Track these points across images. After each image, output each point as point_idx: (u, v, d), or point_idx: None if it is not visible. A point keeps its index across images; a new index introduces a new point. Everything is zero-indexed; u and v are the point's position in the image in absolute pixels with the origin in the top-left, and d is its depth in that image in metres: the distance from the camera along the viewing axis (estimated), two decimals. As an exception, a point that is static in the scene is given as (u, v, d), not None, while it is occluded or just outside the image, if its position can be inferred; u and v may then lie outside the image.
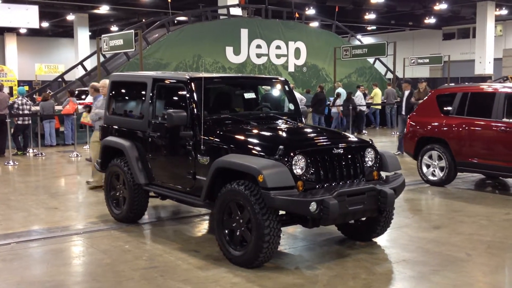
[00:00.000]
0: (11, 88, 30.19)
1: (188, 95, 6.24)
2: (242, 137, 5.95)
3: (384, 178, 6.11)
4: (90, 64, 27.98)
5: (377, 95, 21.15)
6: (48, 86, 24.09)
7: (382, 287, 5.08)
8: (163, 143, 6.60)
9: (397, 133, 14.45)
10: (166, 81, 6.70)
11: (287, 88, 7.10)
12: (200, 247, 6.20)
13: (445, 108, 9.57)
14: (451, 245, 6.33)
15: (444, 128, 9.45)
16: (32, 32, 40.19)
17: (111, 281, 5.21)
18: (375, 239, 6.45)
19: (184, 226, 7.15)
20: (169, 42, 22.33)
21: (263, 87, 16.91)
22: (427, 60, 29.15)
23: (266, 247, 5.32)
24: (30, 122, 14.04)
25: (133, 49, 18.48)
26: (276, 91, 7.29)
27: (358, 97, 19.80)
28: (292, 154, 5.41)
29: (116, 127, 7.33)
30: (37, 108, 15.48)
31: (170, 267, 5.57)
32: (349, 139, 6.16)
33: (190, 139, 6.17)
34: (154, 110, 6.71)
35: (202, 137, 6.03)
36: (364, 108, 19.83)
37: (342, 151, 5.74)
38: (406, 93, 13.36)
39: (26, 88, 28.83)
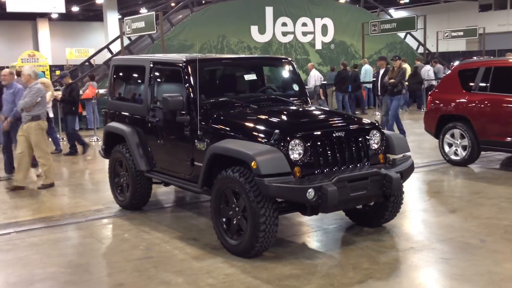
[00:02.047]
0: (43, 74, 30.59)
1: (184, 79, 6.00)
2: (239, 121, 5.70)
3: (391, 161, 5.77)
4: (118, 47, 27.99)
5: (406, 71, 20.45)
6: (75, 71, 24.15)
7: (383, 278, 4.78)
8: (162, 128, 6.40)
9: (381, 114, 13.00)
10: (163, 64, 6.46)
11: (291, 68, 6.77)
12: (200, 235, 6.00)
13: (467, 84, 9.08)
14: (465, 231, 5.98)
15: (466, 105, 8.98)
16: (63, 17, 40.52)
17: (102, 273, 5.07)
18: (384, 225, 6.13)
19: (188, 213, 6.96)
20: (193, 23, 22.04)
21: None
22: (461, 33, 28.22)
23: (262, 236, 5.08)
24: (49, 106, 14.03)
25: (155, 31, 18.33)
26: (282, 72, 6.96)
27: (367, 72, 19.05)
28: (288, 138, 5.13)
29: (118, 112, 7.16)
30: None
31: (165, 257, 5.39)
32: (352, 121, 5.83)
33: (187, 124, 5.94)
34: (152, 95, 6.49)
35: (198, 122, 5.79)
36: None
37: (343, 134, 5.43)
38: (381, 71, 12.45)
39: (58, 72, 29.10)
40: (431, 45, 31.01)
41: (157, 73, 6.51)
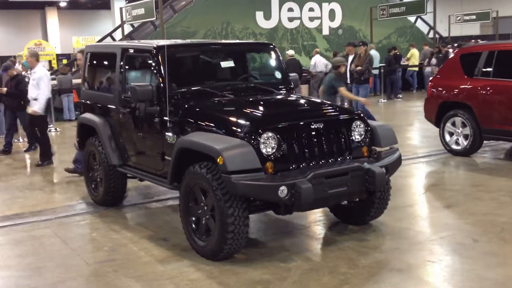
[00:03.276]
0: (49, 62, 30.31)
1: (154, 66, 5.56)
2: (209, 113, 5.26)
3: (376, 154, 5.30)
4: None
5: (414, 56, 19.87)
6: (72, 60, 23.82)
7: (359, 284, 4.33)
8: (133, 120, 5.97)
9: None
10: (134, 51, 6.02)
11: (274, 54, 6.29)
12: (172, 234, 5.58)
13: (469, 69, 8.53)
14: (459, 229, 5.51)
15: (468, 92, 8.44)
16: (72, 5, 40.22)
17: (57, 278, 4.66)
18: (371, 222, 5.68)
19: (164, 210, 6.56)
20: (196, 10, 21.54)
21: (287, 52, 16.03)
22: (474, 17, 27.38)
23: (230, 237, 4.65)
24: None
25: (154, 18, 17.89)
26: (264, 58, 6.49)
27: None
28: (260, 131, 4.68)
29: (91, 103, 6.75)
30: (54, 82, 15.13)
31: (129, 260, 4.99)
32: (333, 111, 5.36)
33: (157, 115, 5.52)
34: (123, 84, 6.06)
35: (168, 113, 5.37)
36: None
37: (322, 126, 4.96)
38: (350, 58, 11.70)
39: (65, 61, 28.80)
40: (443, 30, 30.23)
41: (128, 61, 6.07)
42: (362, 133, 5.20)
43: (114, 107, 6.21)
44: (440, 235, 5.34)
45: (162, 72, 5.44)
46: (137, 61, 6.05)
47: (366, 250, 5.01)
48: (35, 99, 8.94)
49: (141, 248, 5.29)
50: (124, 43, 6.38)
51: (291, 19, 23.45)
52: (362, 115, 5.31)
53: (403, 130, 11.54)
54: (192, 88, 5.60)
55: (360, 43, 11.60)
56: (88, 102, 6.82)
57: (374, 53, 18.88)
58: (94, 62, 6.84)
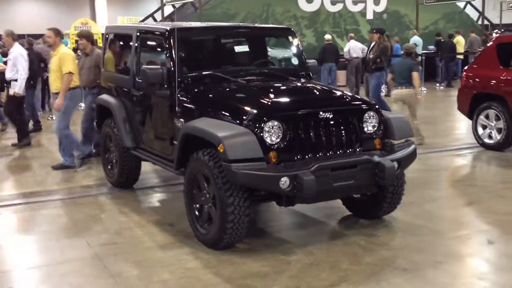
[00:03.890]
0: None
1: (166, 49, 5.47)
2: (217, 98, 5.15)
3: (390, 147, 5.08)
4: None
5: (459, 43, 19.18)
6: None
7: (359, 282, 4.15)
8: (145, 103, 5.92)
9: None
10: (149, 33, 5.94)
11: (291, 40, 6.11)
12: (179, 220, 5.50)
13: (506, 60, 8.12)
14: (475, 228, 5.25)
15: (503, 83, 8.04)
16: (120, -15, 40.54)
17: (57, 260, 4.65)
18: (384, 217, 5.47)
19: (178, 194, 6.44)
20: (237, -9, 21.39)
21: (324, 36, 15.64)
22: (527, 3, 26.20)
23: (230, 227, 4.54)
24: None
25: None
26: (282, 43, 6.30)
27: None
28: (264, 119, 4.53)
29: (109, 84, 6.73)
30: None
31: (131, 244, 4.97)
32: (345, 100, 5.16)
33: (167, 99, 5.44)
34: (138, 66, 6.00)
35: (177, 97, 5.28)
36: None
37: (332, 116, 4.77)
38: (372, 45, 11.08)
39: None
40: (496, 16, 29.13)
41: (143, 43, 6.00)
42: (374, 124, 4.98)
43: (129, 89, 6.17)
44: (455, 234, 5.10)
45: (173, 55, 5.35)
46: (151, 44, 5.97)
47: (373, 246, 4.82)
48: (15, 80, 8.72)
49: (146, 232, 5.25)
50: (140, 24, 6.32)
51: (334, 3, 22.97)
52: (376, 105, 5.09)
53: (437, 121, 11.17)
54: (203, 73, 5.49)
55: (374, 30, 10.98)
56: (106, 83, 6.81)
57: (416, 39, 18.41)
58: (113, 43, 6.80)
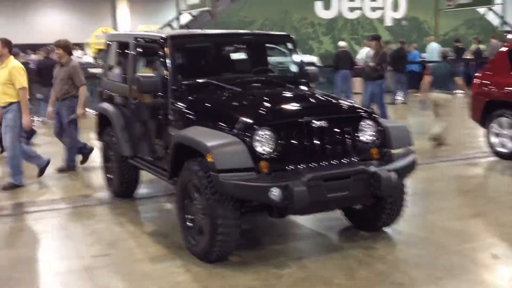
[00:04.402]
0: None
1: (160, 57, 5.39)
2: (209, 107, 5.04)
3: (388, 156, 4.90)
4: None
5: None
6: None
7: (350, 299, 4.00)
8: (141, 111, 5.84)
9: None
10: (145, 41, 5.86)
11: (290, 46, 5.97)
12: (174, 231, 5.33)
13: (519, 66, 7.87)
14: (481, 241, 5.04)
15: (516, 90, 7.79)
16: (141, -6, 40.86)
17: (44, 271, 4.58)
18: (385, 229, 5.28)
19: (176, 204, 6.40)
20: (254, -1, 21.34)
21: (338, 43, 15.45)
22: (551, 9, 25.63)
23: (220, 239, 4.41)
24: None
25: (208, 7, 17.85)
26: (280, 50, 6.17)
27: (434, 51, 17.59)
28: (255, 128, 4.40)
29: (108, 92, 6.67)
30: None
31: (122, 257, 4.86)
32: (341, 108, 5.00)
33: (161, 107, 5.35)
34: (134, 74, 5.92)
35: (170, 105, 5.19)
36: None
37: (326, 124, 4.61)
38: (371, 53, 10.79)
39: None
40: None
41: (140, 51, 5.92)
42: (372, 133, 4.81)
43: (126, 97, 6.10)
44: (458, 247, 4.89)
45: (167, 63, 5.26)
46: (147, 51, 5.88)
47: (370, 259, 4.64)
48: None
49: (140, 244, 5.15)
50: (137, 32, 6.25)
51: (351, 9, 22.79)
52: (373, 113, 4.92)
53: (452, 129, 10.87)
54: (198, 81, 5.38)
55: (371, 38, 10.70)
56: (106, 91, 6.75)
57: (434, 45, 18.10)
58: (112, 51, 6.74)
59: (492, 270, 4.46)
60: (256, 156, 4.35)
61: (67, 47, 7.64)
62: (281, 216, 4.52)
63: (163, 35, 5.42)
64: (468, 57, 19.00)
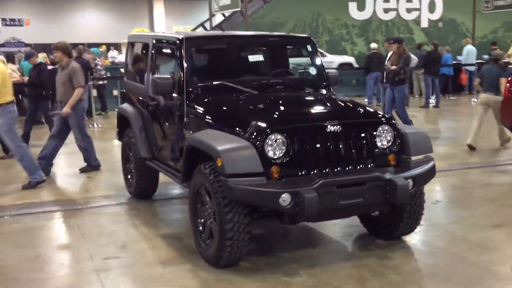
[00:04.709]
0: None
1: (177, 58, 5.36)
2: (223, 109, 4.98)
3: (406, 163, 4.75)
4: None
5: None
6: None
7: (358, 310, 3.88)
8: (158, 113, 5.82)
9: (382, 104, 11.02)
10: (163, 42, 5.83)
11: (310, 49, 5.86)
12: (188, 234, 5.28)
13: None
14: (500, 253, 4.84)
15: (548, 95, 7.51)
16: (178, -4, 41.28)
17: (55, 273, 4.59)
18: (404, 238, 5.13)
19: (194, 207, 6.36)
20: (287, 0, 21.18)
21: (370, 45, 15.24)
22: None
23: (229, 245, 4.34)
24: (105, 82, 13.96)
25: (239, 8, 17.81)
26: (300, 52, 6.07)
27: (469, 53, 17.12)
28: (267, 132, 4.31)
29: (129, 93, 6.69)
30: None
31: (133, 258, 4.85)
32: (358, 113, 4.88)
33: (177, 109, 5.32)
34: (153, 75, 5.90)
35: (185, 107, 5.15)
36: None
37: (341, 129, 4.50)
38: (389, 55, 10.48)
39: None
40: None
41: (158, 52, 5.91)
42: (389, 139, 4.68)
43: (145, 98, 6.09)
44: (476, 259, 4.70)
45: (183, 64, 5.23)
46: (165, 53, 5.86)
47: (384, 269, 4.50)
48: None
49: (152, 246, 5.13)
50: (157, 33, 6.21)
51: (386, 10, 22.45)
52: (391, 118, 4.77)
53: (484, 134, 10.57)
54: (214, 83, 5.33)
55: (392, 41, 10.39)
56: (127, 92, 6.77)
57: (469, 48, 17.70)
58: (134, 52, 6.75)
59: (510, 283, 4.27)
60: (267, 161, 4.27)
61: (65, 50, 7.51)
62: (292, 223, 4.42)
63: (179, 36, 5.39)
64: (507, 59, 18.44)
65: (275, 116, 4.64)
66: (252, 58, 5.71)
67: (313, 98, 5.28)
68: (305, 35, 6.01)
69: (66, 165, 8.74)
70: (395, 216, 4.92)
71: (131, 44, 6.75)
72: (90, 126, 12.46)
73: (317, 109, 4.94)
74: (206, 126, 4.85)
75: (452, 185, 7.08)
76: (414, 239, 5.14)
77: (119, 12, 41.80)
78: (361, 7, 21.98)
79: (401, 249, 4.95)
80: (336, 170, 4.46)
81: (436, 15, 23.26)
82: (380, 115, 4.80)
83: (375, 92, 15.60)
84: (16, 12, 33.17)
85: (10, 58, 13.02)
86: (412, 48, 20.22)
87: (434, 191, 6.81)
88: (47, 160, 7.73)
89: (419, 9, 22.96)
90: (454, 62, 18.17)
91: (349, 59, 20.22)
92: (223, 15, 22.58)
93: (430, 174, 4.75)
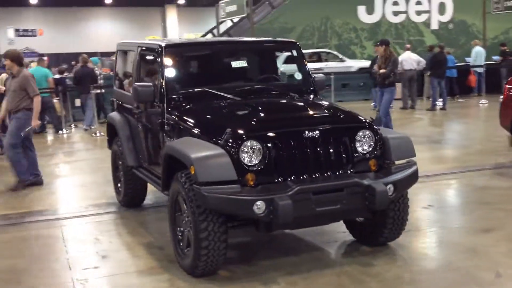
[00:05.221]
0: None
1: (158, 66, 5.32)
2: (201, 117, 4.91)
3: (387, 169, 4.64)
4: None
5: None
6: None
7: (331, 320, 3.78)
8: (142, 121, 5.78)
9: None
10: (147, 50, 5.79)
11: (295, 53, 5.78)
12: (170, 243, 5.28)
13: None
14: (487, 258, 4.69)
15: (547, 96, 7.33)
16: (189, 3, 41.46)
17: (29, 284, 4.55)
18: (390, 244, 5.02)
19: (182, 215, 6.31)
20: (295, 5, 21.14)
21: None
22: None
23: (204, 254, 4.27)
24: (103, 91, 14.04)
25: (245, 14, 17.81)
26: (285, 57, 5.99)
27: (478, 55, 16.82)
28: (242, 139, 4.24)
29: (117, 101, 6.67)
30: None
31: (111, 269, 4.81)
32: (336, 118, 4.78)
33: (158, 117, 5.27)
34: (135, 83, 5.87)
35: (165, 115, 5.10)
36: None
37: (319, 135, 4.41)
38: (378, 58, 10.34)
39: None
40: None
41: (143, 59, 5.87)
42: (369, 144, 4.57)
43: (131, 106, 6.06)
44: (462, 264, 4.58)
45: (164, 72, 5.19)
46: (148, 60, 5.83)
47: (364, 277, 4.39)
48: None
49: (133, 255, 5.08)
50: (140, 41, 6.17)
51: (396, 13, 22.37)
52: (371, 123, 4.67)
53: (490, 136, 10.41)
54: (195, 90, 5.27)
55: (378, 43, 10.21)
56: (116, 100, 6.75)
57: (478, 49, 17.49)
58: (121, 60, 6.73)
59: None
60: (242, 168, 4.20)
61: (15, 58, 7.36)
62: (268, 231, 4.34)
63: (160, 44, 5.35)
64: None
65: (252, 122, 4.56)
66: (235, 64, 5.64)
67: (294, 104, 5.19)
68: (289, 39, 5.91)
69: (64, 173, 8.75)
70: (379, 222, 4.81)
71: (119, 52, 6.73)
72: (93, 134, 12.52)
73: (296, 115, 4.86)
74: (185, 133, 4.79)
75: (448, 188, 6.97)
76: (400, 245, 5.01)
77: (132, 21, 42.07)
78: (370, 10, 21.91)
79: (385, 255, 4.83)
80: (314, 176, 4.37)
81: (446, 17, 23.10)
82: (360, 120, 4.70)
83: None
84: (29, 23, 33.55)
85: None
86: (422, 50, 20.11)
87: (428, 194, 6.68)
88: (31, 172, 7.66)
89: (429, 11, 22.82)
90: (462, 64, 17.96)
91: (364, 63, 20.09)
92: (232, 21, 22.64)
93: (412, 179, 4.64)
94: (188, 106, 5.07)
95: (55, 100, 13.70)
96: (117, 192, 6.72)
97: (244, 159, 4.22)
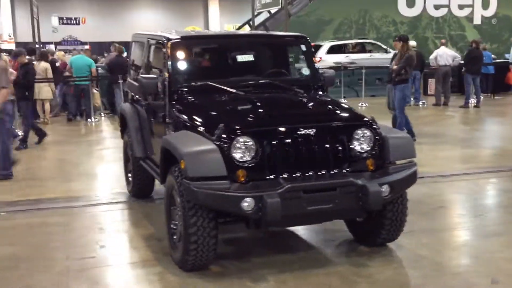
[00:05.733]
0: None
1: (164, 58, 5.32)
2: (199, 110, 4.88)
3: (385, 169, 4.51)
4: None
5: None
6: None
7: (312, 322, 3.71)
8: (148, 112, 5.81)
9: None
10: (155, 42, 5.78)
11: (304, 48, 5.67)
12: (168, 236, 5.31)
13: None
14: (486, 264, 4.52)
15: None
16: (232, -7, 41.43)
17: (28, 271, 4.61)
18: (389, 245, 4.89)
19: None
20: (333, -3, 20.90)
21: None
22: None
23: (193, 249, 4.26)
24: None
25: (279, 6, 17.65)
26: (293, 52, 5.89)
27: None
28: (235, 134, 4.20)
29: (130, 92, 6.71)
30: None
31: (106, 259, 4.87)
32: (334, 116, 4.67)
33: (161, 109, 5.27)
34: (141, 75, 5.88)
35: (168, 108, 5.10)
36: None
37: (314, 132, 4.33)
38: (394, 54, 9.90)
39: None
40: None
41: (151, 51, 5.88)
42: (367, 142, 4.46)
43: (139, 98, 6.09)
44: (458, 269, 4.45)
45: (168, 64, 5.18)
46: (156, 52, 5.83)
47: (355, 278, 4.30)
48: None
49: (130, 247, 5.13)
50: (150, 33, 6.16)
51: (437, 7, 21.80)
52: (371, 122, 4.54)
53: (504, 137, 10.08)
54: (198, 83, 5.24)
55: (396, 38, 9.80)
56: (129, 91, 6.79)
57: None
58: (134, 51, 6.76)
59: (488, 298, 4.00)
60: (233, 164, 4.16)
61: None
62: (257, 227, 4.29)
63: (167, 36, 5.34)
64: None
65: (246, 118, 4.50)
66: (241, 58, 5.58)
67: (295, 100, 5.09)
68: (299, 34, 5.79)
69: (84, 161, 8.89)
70: (377, 222, 4.70)
71: (134, 44, 6.76)
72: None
73: (294, 111, 4.77)
74: (184, 127, 4.78)
75: (462, 189, 6.75)
76: (398, 246, 4.89)
77: (174, 11, 42.33)
78: (410, 3, 21.44)
79: (382, 257, 4.72)
80: (307, 174, 4.29)
81: (489, 12, 22.41)
82: (359, 118, 4.58)
83: (413, 90, 15.10)
84: (73, 11, 34.14)
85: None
86: (464, 46, 19.57)
87: (441, 195, 6.50)
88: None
89: (471, 6, 22.16)
90: (501, 60, 17.39)
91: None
92: (269, 12, 22.50)
93: (410, 180, 4.50)
94: (190, 100, 5.05)
95: (95, 91, 13.89)
96: (127, 182, 6.78)
97: (235, 155, 4.17)
